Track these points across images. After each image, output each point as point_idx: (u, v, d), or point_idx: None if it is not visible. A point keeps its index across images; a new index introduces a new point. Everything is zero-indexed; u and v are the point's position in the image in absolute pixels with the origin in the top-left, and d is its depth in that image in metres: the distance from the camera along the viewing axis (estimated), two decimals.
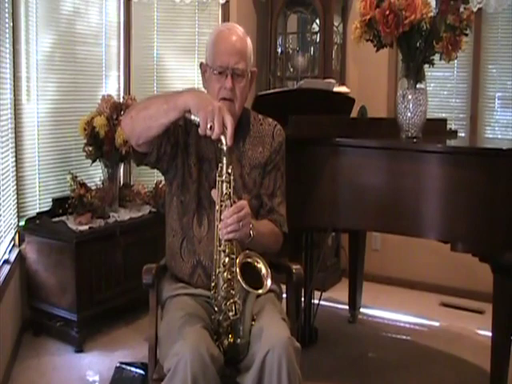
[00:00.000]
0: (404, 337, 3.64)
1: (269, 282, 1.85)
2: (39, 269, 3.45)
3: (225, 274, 1.88)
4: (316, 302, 3.35)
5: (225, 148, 1.84)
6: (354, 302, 3.83)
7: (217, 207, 1.88)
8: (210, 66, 2.09)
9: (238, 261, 1.85)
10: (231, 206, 1.85)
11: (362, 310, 3.90)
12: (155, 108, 1.87)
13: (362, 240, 3.79)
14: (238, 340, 1.89)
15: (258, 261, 1.89)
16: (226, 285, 1.88)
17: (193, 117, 1.81)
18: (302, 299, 3.25)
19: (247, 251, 1.90)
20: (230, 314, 1.87)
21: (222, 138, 1.82)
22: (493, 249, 2.49)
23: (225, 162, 1.86)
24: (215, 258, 1.91)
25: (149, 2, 4.29)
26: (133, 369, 2.87)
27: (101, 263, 3.46)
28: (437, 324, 3.86)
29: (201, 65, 2.16)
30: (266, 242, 2.05)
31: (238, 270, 1.83)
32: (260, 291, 1.84)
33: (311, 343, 3.37)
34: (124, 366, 2.90)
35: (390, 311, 4.02)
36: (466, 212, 2.46)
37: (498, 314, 2.54)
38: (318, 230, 3.36)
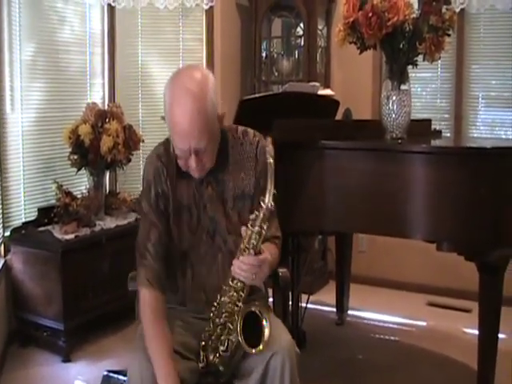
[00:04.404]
0: (392, 338, 3.65)
1: (261, 346, 1.80)
2: (25, 279, 3.42)
3: (229, 304, 1.86)
4: (303, 305, 3.35)
5: (264, 206, 1.79)
6: (341, 305, 3.84)
7: (242, 246, 1.82)
8: (169, 132, 1.90)
9: (240, 319, 1.82)
10: (255, 254, 1.81)
11: (349, 312, 3.91)
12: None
13: (349, 242, 3.80)
14: (221, 368, 1.89)
15: (263, 313, 1.84)
16: (226, 314, 1.86)
17: None
18: (290, 302, 3.25)
19: (256, 302, 1.88)
20: (221, 348, 1.87)
21: (266, 196, 1.79)
22: (478, 248, 2.50)
23: (261, 216, 1.80)
24: (224, 289, 1.87)
25: (133, 9, 4.28)
26: (120, 377, 2.84)
27: (87, 272, 3.44)
28: (424, 324, 3.87)
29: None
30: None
31: (239, 326, 1.81)
32: (254, 351, 1.80)
33: (299, 346, 3.28)
34: (111, 374, 2.88)
35: (378, 312, 4.03)
36: (451, 211, 2.46)
37: (485, 313, 2.55)
38: (304, 234, 3.36)
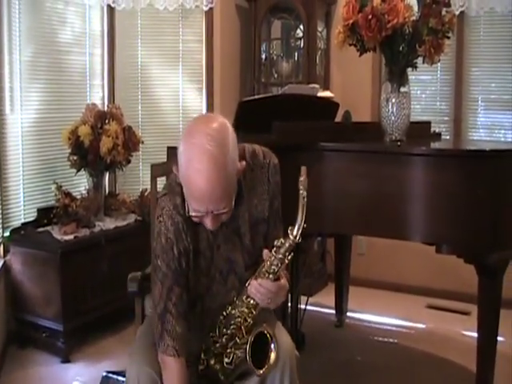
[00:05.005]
0: (391, 340, 3.65)
1: (265, 369, 1.78)
2: (24, 280, 3.42)
3: (238, 319, 1.84)
4: (303, 307, 3.35)
5: (292, 238, 1.74)
6: (340, 307, 3.84)
7: (262, 269, 1.78)
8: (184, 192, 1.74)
9: (250, 338, 1.79)
10: (274, 280, 1.77)
11: (348, 314, 3.91)
12: None
13: (348, 244, 3.80)
14: (222, 377, 1.88)
15: (272, 336, 1.82)
16: (234, 327, 1.84)
17: None
18: (289, 304, 3.25)
19: (265, 324, 1.84)
20: (226, 360, 1.85)
21: (295, 229, 1.74)
22: (477, 250, 2.50)
23: (286, 246, 1.75)
24: (236, 302, 1.85)
25: (132, 11, 4.28)
26: (119, 378, 2.84)
27: (86, 273, 3.44)
28: (423, 326, 3.87)
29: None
30: None
31: (248, 346, 1.78)
32: (261, 372, 1.78)
33: (298, 348, 3.32)
34: (110, 375, 2.88)
35: (377, 315, 4.03)
36: (451, 214, 2.46)
37: (484, 315, 2.55)
38: (303, 235, 3.35)
